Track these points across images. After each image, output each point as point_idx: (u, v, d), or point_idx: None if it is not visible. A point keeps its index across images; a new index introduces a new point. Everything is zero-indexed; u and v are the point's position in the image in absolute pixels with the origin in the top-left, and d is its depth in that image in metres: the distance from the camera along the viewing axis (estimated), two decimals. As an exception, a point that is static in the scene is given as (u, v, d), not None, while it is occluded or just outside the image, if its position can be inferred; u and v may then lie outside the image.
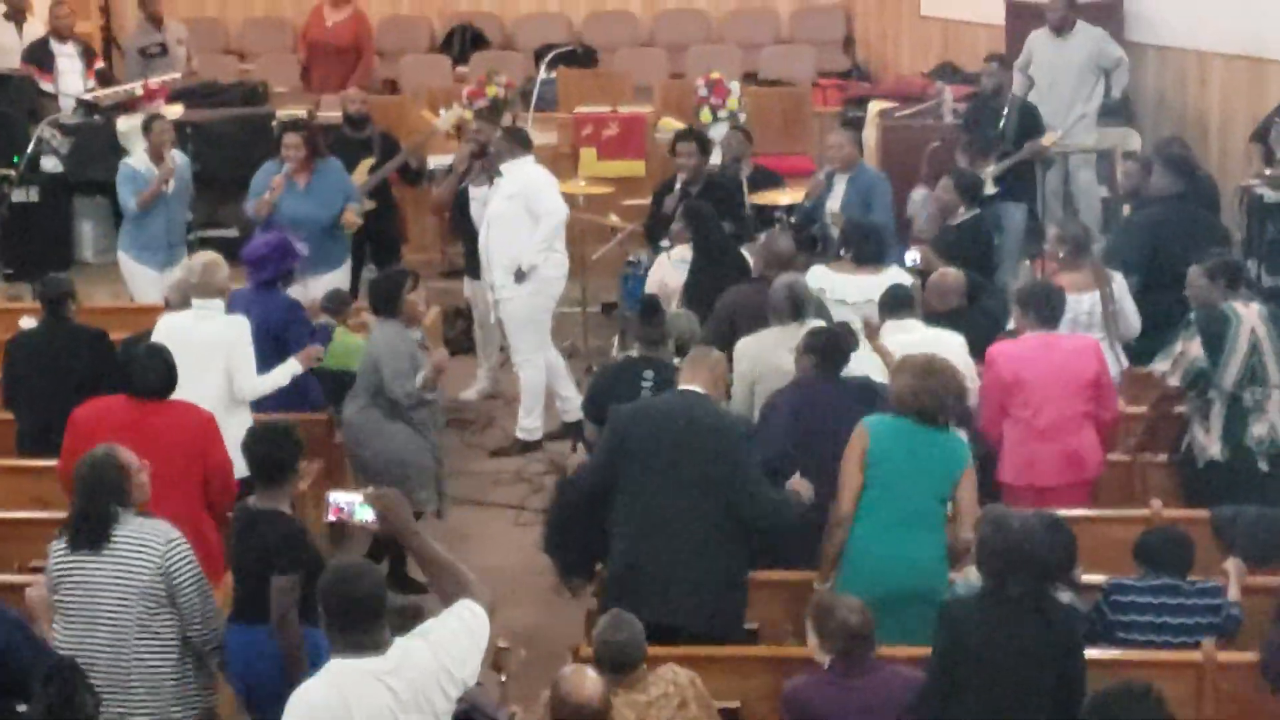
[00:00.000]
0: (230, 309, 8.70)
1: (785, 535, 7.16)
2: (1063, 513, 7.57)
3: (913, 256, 9.85)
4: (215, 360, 8.29)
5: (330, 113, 13.42)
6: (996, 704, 5.81)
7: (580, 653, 6.43)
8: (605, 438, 7.16)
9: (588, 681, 5.46)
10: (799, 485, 7.11)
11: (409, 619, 5.41)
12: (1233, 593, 6.74)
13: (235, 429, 7.54)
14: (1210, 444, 8.12)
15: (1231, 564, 6.87)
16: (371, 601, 5.05)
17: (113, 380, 8.09)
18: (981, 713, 5.82)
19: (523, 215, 10.59)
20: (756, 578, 7.19)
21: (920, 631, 6.35)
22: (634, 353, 8.43)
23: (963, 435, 7.40)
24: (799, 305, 8.25)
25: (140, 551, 6.32)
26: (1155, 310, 9.35)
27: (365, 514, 5.45)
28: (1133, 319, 9.23)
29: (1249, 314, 8.08)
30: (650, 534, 6.91)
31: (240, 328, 8.43)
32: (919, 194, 12.08)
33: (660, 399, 7.27)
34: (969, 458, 7.05)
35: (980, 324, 8.84)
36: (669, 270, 10.08)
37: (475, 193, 11.22)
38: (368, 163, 11.94)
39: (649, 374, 7.81)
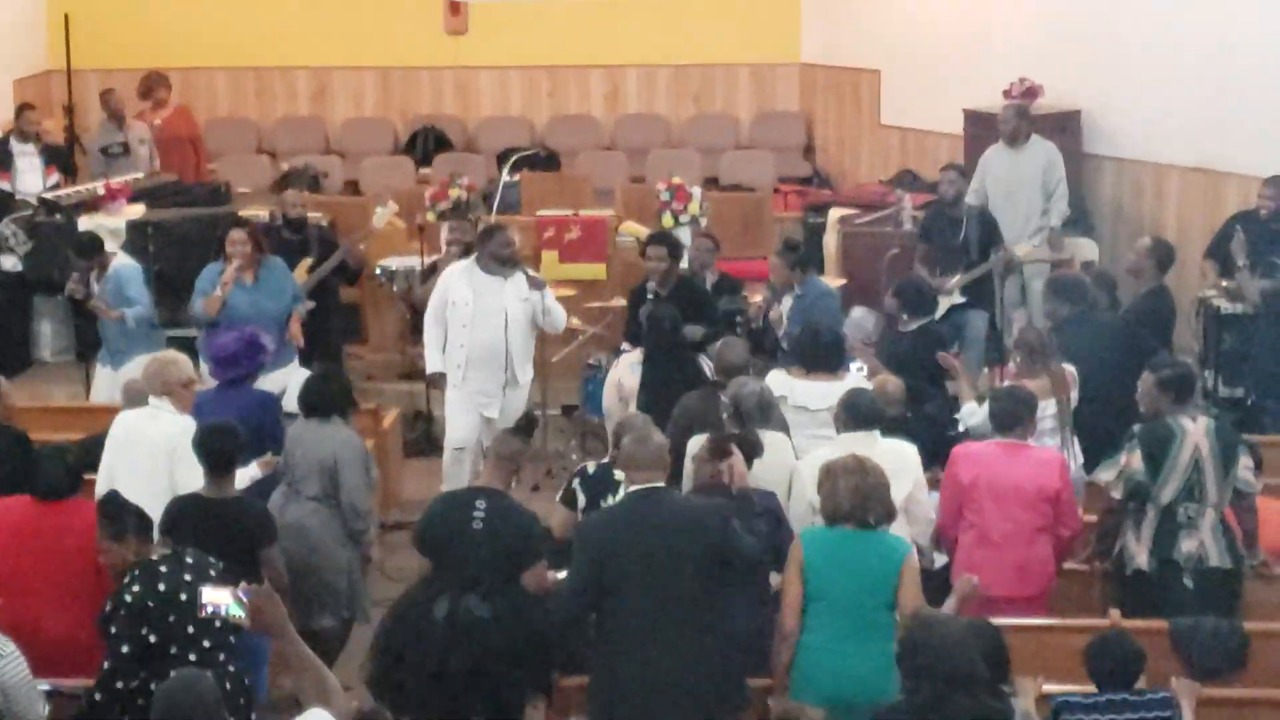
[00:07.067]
0: (199, 412, 8.57)
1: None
2: (1021, 621, 7.58)
3: (858, 365, 9.84)
4: (162, 459, 8.25)
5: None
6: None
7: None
8: (581, 554, 6.90)
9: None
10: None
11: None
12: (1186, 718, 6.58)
13: None
14: (1139, 553, 8.01)
15: (1183, 689, 6.67)
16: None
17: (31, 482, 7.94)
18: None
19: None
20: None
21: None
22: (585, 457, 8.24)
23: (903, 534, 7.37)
24: (768, 411, 8.29)
25: None
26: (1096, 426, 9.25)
27: (237, 611, 5.44)
28: None
29: (1195, 430, 7.97)
30: (643, 645, 6.76)
31: (188, 429, 8.24)
32: (857, 312, 12.15)
33: (626, 506, 7.09)
34: (905, 556, 6.96)
35: (922, 432, 8.82)
36: (625, 373, 10.06)
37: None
38: (307, 262, 11.86)
39: (480, 504, 7.51)
